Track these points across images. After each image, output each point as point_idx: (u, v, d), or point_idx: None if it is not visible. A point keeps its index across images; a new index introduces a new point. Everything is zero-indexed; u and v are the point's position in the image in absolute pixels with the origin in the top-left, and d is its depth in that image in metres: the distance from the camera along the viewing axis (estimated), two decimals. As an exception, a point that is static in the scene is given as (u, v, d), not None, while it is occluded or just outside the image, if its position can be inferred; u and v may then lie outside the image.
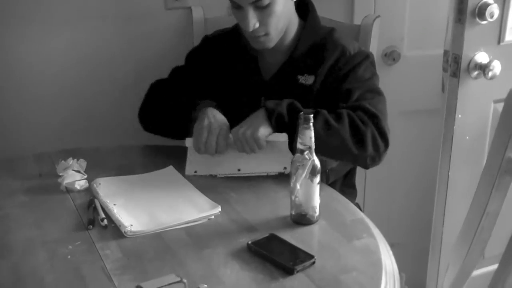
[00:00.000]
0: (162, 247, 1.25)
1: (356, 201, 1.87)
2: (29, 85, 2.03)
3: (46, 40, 2.01)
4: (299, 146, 1.29)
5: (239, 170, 1.56)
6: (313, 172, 1.29)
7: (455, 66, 1.80)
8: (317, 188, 1.31)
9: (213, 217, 1.37)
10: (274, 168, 1.55)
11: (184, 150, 1.63)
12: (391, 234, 2.39)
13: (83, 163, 1.58)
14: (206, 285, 1.11)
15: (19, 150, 1.90)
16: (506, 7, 1.80)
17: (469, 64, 1.80)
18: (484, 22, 1.76)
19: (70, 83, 2.07)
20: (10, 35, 1.95)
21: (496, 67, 1.81)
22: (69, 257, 1.22)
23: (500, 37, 1.83)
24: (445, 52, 1.85)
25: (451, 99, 1.84)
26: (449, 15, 1.81)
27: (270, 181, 1.54)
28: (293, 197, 1.32)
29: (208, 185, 1.52)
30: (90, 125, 2.10)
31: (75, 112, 2.09)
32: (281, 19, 1.60)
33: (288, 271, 1.15)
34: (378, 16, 1.87)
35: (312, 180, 1.30)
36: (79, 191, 1.49)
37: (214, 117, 1.56)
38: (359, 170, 1.93)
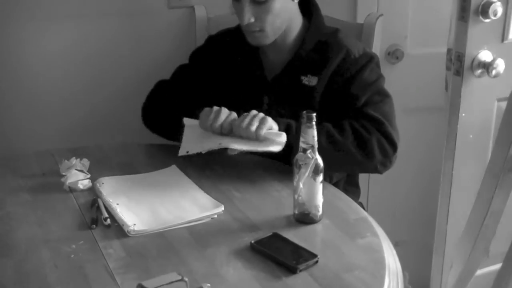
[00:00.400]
0: (165, 246, 1.25)
1: (360, 200, 1.86)
2: (32, 84, 2.03)
3: (48, 39, 2.01)
4: (302, 145, 1.29)
5: (220, 144, 1.50)
6: (316, 171, 1.29)
7: (459, 65, 1.80)
8: (320, 187, 1.31)
9: (216, 216, 1.36)
10: (263, 148, 1.48)
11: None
12: (395, 232, 2.38)
13: (86, 162, 1.58)
14: (209, 284, 1.11)
15: (22, 149, 1.90)
16: (509, 5, 1.79)
17: (472, 62, 1.80)
18: (487, 20, 1.76)
19: (73, 81, 2.07)
20: (14, 33, 1.96)
21: (500, 65, 1.80)
22: (72, 256, 1.22)
23: (503, 35, 1.83)
24: (449, 51, 1.84)
25: (455, 98, 1.83)
26: (452, 13, 1.81)
27: (274, 180, 1.54)
28: (296, 196, 1.32)
29: (211, 184, 1.52)
30: (92, 123, 2.10)
31: (78, 111, 2.09)
32: (278, 17, 1.59)
33: (291, 270, 1.15)
34: (381, 15, 1.87)
35: (315, 179, 1.30)
36: (82, 190, 1.49)
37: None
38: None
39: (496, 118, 1.91)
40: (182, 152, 1.57)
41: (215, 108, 1.54)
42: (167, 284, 1.00)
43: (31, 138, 2.04)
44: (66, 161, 1.56)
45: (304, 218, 1.33)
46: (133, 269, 1.17)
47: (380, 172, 1.56)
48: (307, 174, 1.29)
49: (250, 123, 1.47)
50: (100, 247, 1.25)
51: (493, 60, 1.79)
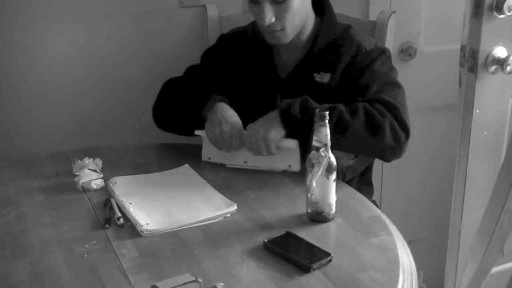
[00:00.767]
0: (178, 245, 1.25)
1: (373, 198, 1.86)
2: (46, 85, 2.04)
3: (63, 41, 2.02)
4: (314, 143, 1.28)
5: (245, 162, 1.59)
6: (329, 170, 1.29)
7: (473, 61, 1.78)
8: (333, 186, 1.30)
9: (229, 215, 1.36)
10: (280, 165, 1.56)
11: (200, 148, 1.64)
12: (408, 231, 2.37)
13: (99, 162, 1.58)
14: (222, 283, 1.11)
15: (36, 150, 1.91)
16: (524, 0, 1.77)
17: (486, 59, 1.78)
18: (502, 16, 1.74)
19: (86, 83, 2.07)
20: (28, 35, 1.96)
21: (514, 61, 1.78)
22: (85, 256, 1.22)
23: (518, 31, 1.81)
24: (462, 47, 1.83)
25: (469, 95, 1.82)
26: (466, 9, 1.79)
27: (287, 179, 1.54)
28: (309, 195, 1.32)
29: (225, 183, 1.52)
30: (106, 124, 2.11)
31: (91, 111, 2.10)
32: (297, 15, 1.59)
33: (305, 269, 1.15)
34: (394, 12, 1.86)
35: (328, 178, 1.29)
36: (95, 190, 1.49)
37: (224, 117, 1.56)
38: (376, 167, 1.92)
39: (510, 115, 1.89)
40: (204, 157, 1.64)
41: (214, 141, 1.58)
42: (180, 285, 1.00)
43: (45, 140, 2.04)
44: (79, 161, 1.57)
45: (317, 217, 1.33)
46: (147, 269, 1.17)
47: (388, 159, 1.54)
48: (320, 172, 1.28)
49: (259, 151, 1.51)
50: (113, 247, 1.25)
51: (508, 57, 1.78)
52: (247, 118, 1.57)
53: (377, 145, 1.49)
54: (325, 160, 1.28)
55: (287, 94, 1.67)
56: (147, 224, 1.31)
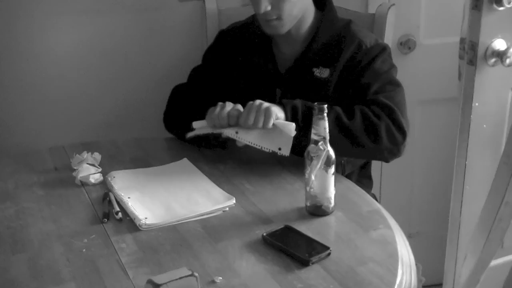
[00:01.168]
0: (177, 239, 1.25)
1: (372, 191, 1.85)
2: (44, 79, 2.03)
3: (61, 35, 2.02)
4: (313, 136, 1.28)
5: (236, 133, 1.50)
6: (327, 163, 1.28)
7: (472, 54, 1.77)
8: (332, 179, 1.30)
9: (227, 209, 1.36)
10: (270, 145, 1.48)
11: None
12: (408, 224, 2.38)
13: (97, 156, 1.58)
14: (221, 278, 1.11)
15: (35, 144, 1.91)
16: (524, -8, 1.76)
17: (486, 51, 1.77)
18: (501, 8, 1.73)
19: (85, 77, 2.07)
20: (26, 30, 1.96)
21: (514, 54, 1.78)
22: (84, 250, 1.22)
23: (518, 24, 1.80)
24: (462, 40, 1.82)
25: (468, 87, 1.81)
26: (465, 1, 1.78)
27: (286, 173, 1.53)
28: (308, 188, 1.31)
29: (224, 177, 1.52)
30: (105, 118, 2.11)
31: (90, 106, 2.10)
32: (295, 5, 1.59)
33: (304, 263, 1.15)
34: (393, 4, 1.85)
35: (327, 171, 1.29)
36: (93, 184, 1.49)
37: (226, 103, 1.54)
38: (375, 161, 1.92)
39: (510, 108, 1.89)
40: (191, 134, 1.56)
41: (220, 103, 1.53)
42: (177, 279, 0.99)
43: (44, 134, 2.04)
44: (77, 155, 1.56)
45: (317, 211, 1.32)
46: (146, 263, 1.17)
47: (387, 160, 1.55)
48: (319, 166, 1.28)
49: (257, 120, 1.45)
50: (112, 242, 1.25)
51: (507, 49, 1.77)
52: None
53: (375, 148, 1.49)
54: (323, 154, 1.28)
55: (286, 88, 1.67)
56: (146, 218, 1.31)
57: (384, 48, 1.64)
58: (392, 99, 1.54)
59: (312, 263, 1.15)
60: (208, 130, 1.54)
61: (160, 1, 2.07)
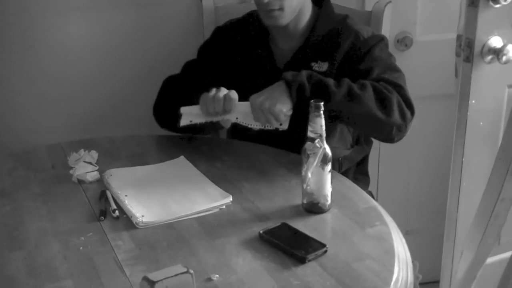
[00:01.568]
0: (174, 237, 1.25)
1: (369, 189, 1.86)
2: (41, 77, 2.03)
3: (57, 31, 2.01)
4: (310, 134, 1.28)
5: (236, 118, 1.53)
6: (324, 160, 1.29)
7: (468, 51, 1.78)
8: (328, 176, 1.31)
9: (224, 206, 1.36)
10: (271, 124, 1.50)
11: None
12: (405, 221, 2.38)
13: (94, 154, 1.58)
14: (217, 275, 1.11)
15: (33, 143, 1.90)
16: (520, -11, 1.77)
17: (482, 48, 1.77)
18: (498, 6, 1.74)
19: (81, 73, 2.07)
20: (22, 27, 1.96)
21: (510, 51, 1.78)
22: (81, 248, 1.22)
23: (514, 21, 1.80)
24: (458, 37, 1.82)
25: (465, 84, 1.81)
26: (462, -2, 1.79)
27: (283, 170, 1.53)
28: (304, 186, 1.32)
29: (221, 174, 1.52)
30: (101, 115, 2.10)
31: (87, 103, 2.10)
32: None
33: (300, 260, 1.15)
34: (390, 2, 1.85)
35: (323, 168, 1.29)
36: (90, 182, 1.49)
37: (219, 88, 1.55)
38: (372, 157, 1.92)
39: (506, 105, 1.89)
40: (184, 123, 1.56)
41: (214, 88, 1.53)
42: (172, 276, 0.99)
43: (42, 132, 2.04)
44: (74, 153, 1.56)
45: (313, 208, 1.33)
46: (142, 260, 1.17)
47: (393, 138, 1.53)
48: (315, 163, 1.28)
49: (269, 122, 1.48)
50: (109, 239, 1.25)
51: (504, 46, 1.77)
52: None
53: (386, 120, 1.48)
54: (320, 151, 1.28)
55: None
56: (143, 216, 1.31)
57: (382, 38, 1.66)
58: (397, 79, 1.55)
59: (309, 260, 1.15)
60: (202, 119, 1.54)
61: (156, -2, 2.07)
